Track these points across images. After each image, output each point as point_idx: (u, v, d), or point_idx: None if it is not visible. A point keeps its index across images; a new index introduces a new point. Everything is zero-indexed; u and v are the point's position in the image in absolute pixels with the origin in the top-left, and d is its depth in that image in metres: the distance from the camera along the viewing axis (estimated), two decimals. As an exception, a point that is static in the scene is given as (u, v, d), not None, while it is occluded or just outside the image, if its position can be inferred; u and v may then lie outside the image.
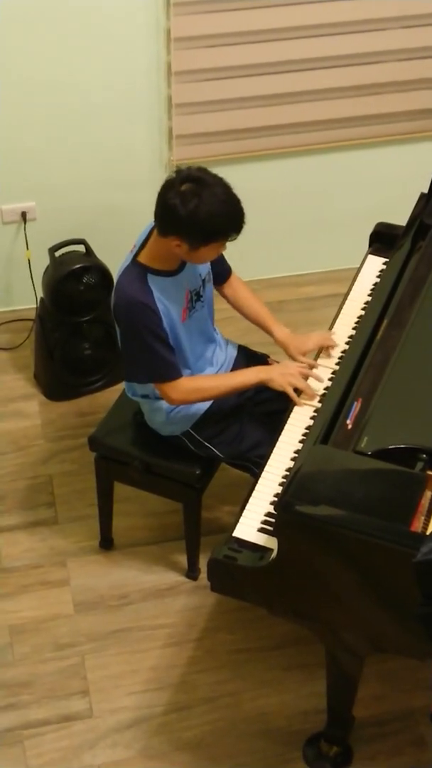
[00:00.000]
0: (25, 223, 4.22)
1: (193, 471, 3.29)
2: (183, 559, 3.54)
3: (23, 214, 4.20)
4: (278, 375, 3.09)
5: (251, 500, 2.81)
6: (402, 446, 2.65)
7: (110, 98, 4.03)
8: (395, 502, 2.51)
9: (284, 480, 2.82)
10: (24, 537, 3.68)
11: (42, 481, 3.86)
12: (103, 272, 3.98)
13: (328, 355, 3.20)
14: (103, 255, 4.00)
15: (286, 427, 3.00)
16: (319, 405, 3.02)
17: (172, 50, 3.93)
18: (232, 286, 3.37)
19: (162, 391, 3.11)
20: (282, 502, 2.51)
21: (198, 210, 2.81)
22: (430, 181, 3.51)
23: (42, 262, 4.06)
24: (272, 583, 2.63)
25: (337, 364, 3.15)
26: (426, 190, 3.53)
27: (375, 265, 3.52)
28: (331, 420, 2.82)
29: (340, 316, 3.35)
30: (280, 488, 2.80)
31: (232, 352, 3.41)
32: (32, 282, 4.25)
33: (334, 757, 3.05)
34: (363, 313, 3.31)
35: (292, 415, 3.03)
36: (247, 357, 3.42)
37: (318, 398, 3.06)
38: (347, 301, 3.41)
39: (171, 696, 3.23)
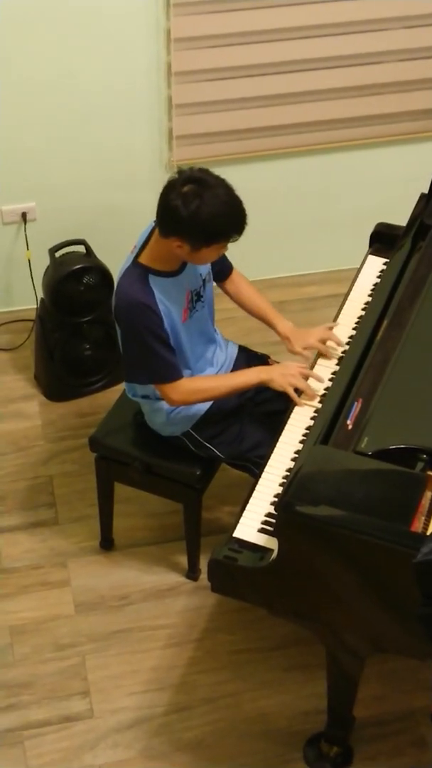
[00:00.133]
0: (25, 224, 4.22)
1: (194, 471, 3.29)
2: (183, 560, 3.54)
3: (23, 215, 4.20)
4: (279, 375, 3.09)
5: (251, 501, 2.81)
6: (402, 446, 2.65)
7: (110, 99, 4.02)
8: (395, 502, 2.51)
9: (284, 480, 2.82)
10: (24, 537, 3.68)
11: (42, 481, 3.86)
12: (103, 273, 3.98)
13: (330, 356, 3.20)
14: (103, 255, 4.00)
15: (287, 427, 3.00)
16: (320, 405, 3.02)
17: (172, 51, 3.93)
18: (234, 282, 3.37)
19: (162, 392, 3.11)
20: (282, 503, 2.51)
21: (200, 211, 2.81)
22: (430, 182, 3.51)
23: (42, 263, 4.06)
24: (272, 584, 2.63)
25: (338, 364, 3.15)
26: (426, 191, 3.53)
27: (375, 265, 3.52)
28: (331, 420, 2.82)
29: (341, 316, 3.35)
30: (281, 489, 2.80)
31: (233, 353, 3.41)
32: (32, 282, 4.25)
33: (334, 757, 3.05)
34: (363, 313, 3.31)
35: (292, 416, 3.03)
36: (248, 357, 3.42)
37: (318, 398, 3.06)
38: (347, 302, 3.40)
39: (171, 696, 3.23)
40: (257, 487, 2.85)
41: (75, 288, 3.97)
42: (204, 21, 3.90)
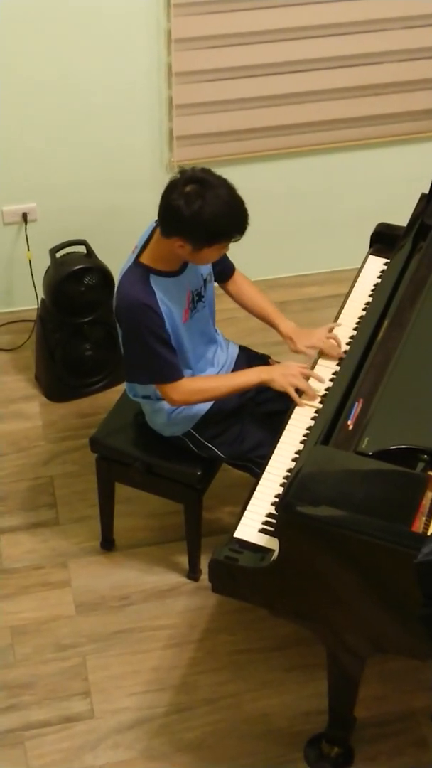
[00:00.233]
0: (26, 224, 4.22)
1: (194, 472, 3.29)
2: (184, 560, 3.54)
3: (24, 215, 4.20)
4: (279, 375, 3.09)
5: (252, 501, 2.81)
6: (403, 447, 2.65)
7: (111, 99, 4.03)
8: (396, 502, 2.51)
9: (285, 481, 2.82)
10: (25, 538, 3.68)
11: (43, 482, 3.86)
12: (103, 273, 3.98)
13: (333, 356, 3.20)
14: (103, 256, 4.00)
15: (287, 427, 3.00)
16: (320, 405, 3.02)
17: (172, 51, 3.93)
18: (236, 282, 3.37)
19: (163, 392, 3.11)
20: (283, 503, 2.51)
21: (202, 211, 2.81)
22: (431, 182, 3.51)
23: (43, 263, 4.06)
24: (273, 584, 2.63)
25: (338, 364, 3.15)
26: (427, 191, 3.52)
27: (376, 265, 3.52)
28: (332, 420, 2.82)
29: (341, 316, 3.35)
30: (282, 489, 2.80)
31: (233, 353, 3.41)
32: (33, 283, 4.25)
33: (335, 757, 3.05)
34: (364, 313, 3.31)
35: (293, 416, 3.03)
36: (249, 357, 3.42)
37: (319, 399, 3.06)
38: (348, 302, 3.40)
39: (172, 697, 3.23)
40: (258, 488, 2.85)
41: (76, 288, 3.97)
42: (204, 21, 3.90)
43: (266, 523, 2.74)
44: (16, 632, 3.39)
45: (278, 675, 3.28)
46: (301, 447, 2.92)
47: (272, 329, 3.34)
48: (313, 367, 3.17)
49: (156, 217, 2.98)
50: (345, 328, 3.29)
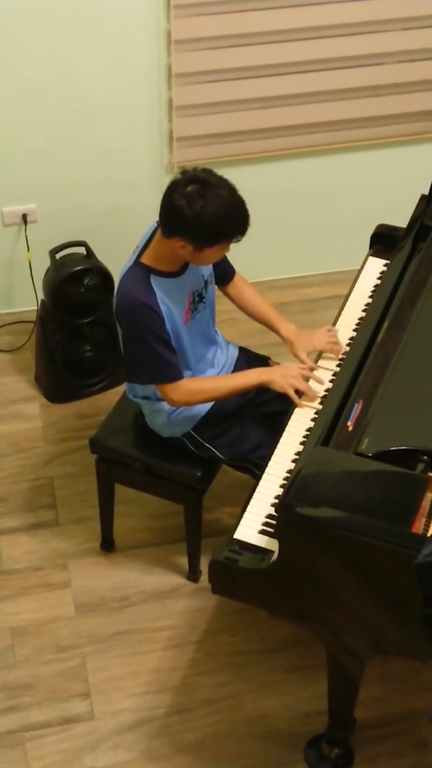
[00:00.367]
0: (25, 225, 4.22)
1: (194, 473, 3.29)
2: (184, 561, 3.54)
3: (24, 216, 4.20)
4: (279, 376, 3.09)
5: (252, 502, 2.81)
6: (403, 448, 2.65)
7: (111, 100, 4.03)
8: (396, 503, 2.51)
9: (285, 482, 2.82)
10: (25, 539, 3.68)
11: (43, 483, 3.86)
12: (103, 274, 3.98)
13: (332, 357, 3.20)
14: (103, 257, 4.00)
15: (287, 428, 3.00)
16: (320, 407, 3.02)
17: (172, 52, 3.93)
18: (236, 285, 3.37)
19: (163, 393, 3.11)
20: (283, 504, 2.51)
21: (203, 211, 2.81)
22: (430, 183, 3.51)
23: (43, 264, 4.06)
24: (273, 585, 2.63)
25: (338, 365, 3.15)
26: (426, 192, 3.53)
27: (376, 266, 3.52)
28: (332, 422, 2.82)
29: (341, 317, 3.35)
30: (281, 490, 2.80)
31: (233, 354, 3.41)
32: (33, 284, 4.25)
33: (335, 758, 3.05)
34: (364, 314, 3.31)
35: (293, 417, 3.03)
36: (248, 359, 3.42)
37: (319, 400, 3.06)
38: (348, 303, 3.41)
39: (172, 698, 3.23)
40: (258, 489, 2.85)
41: (75, 289, 3.97)
42: (204, 23, 3.90)
43: (266, 524, 2.74)
44: (16, 633, 3.39)
45: (278, 676, 3.28)
46: (300, 448, 2.92)
47: (272, 331, 3.34)
48: (312, 368, 3.17)
49: (156, 218, 2.98)
50: (345, 329, 3.29)
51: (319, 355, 3.23)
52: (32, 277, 4.24)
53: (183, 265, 3.05)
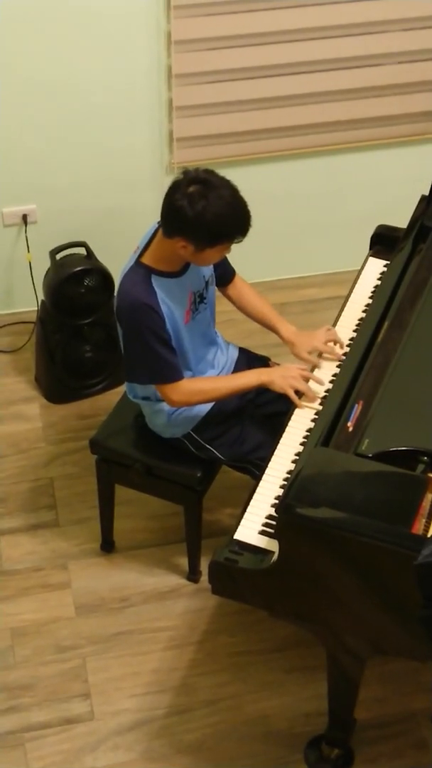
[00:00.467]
0: (26, 226, 4.22)
1: (194, 473, 3.29)
2: (184, 562, 3.54)
3: (24, 217, 4.20)
4: (279, 377, 3.09)
5: (252, 503, 2.81)
6: (403, 448, 2.65)
7: (111, 101, 4.03)
8: (396, 504, 2.51)
9: (285, 482, 2.82)
10: (25, 539, 3.68)
11: (43, 483, 3.86)
12: (103, 275, 3.98)
13: (333, 357, 3.20)
14: (103, 257, 4.00)
15: (287, 429, 3.00)
16: (320, 407, 3.02)
17: (172, 53, 3.93)
18: (236, 287, 3.37)
19: (163, 393, 3.11)
20: (283, 505, 2.51)
21: (205, 212, 2.81)
22: (430, 184, 3.51)
23: (43, 265, 4.06)
24: (273, 586, 2.63)
25: (338, 366, 3.15)
26: (427, 193, 3.53)
27: (376, 267, 3.52)
28: (332, 422, 2.82)
29: (341, 318, 3.35)
30: (281, 491, 2.80)
31: (233, 355, 3.41)
32: (33, 284, 4.25)
33: (335, 759, 3.05)
34: (364, 315, 3.31)
35: (293, 418, 3.03)
36: (248, 359, 3.42)
37: (319, 400, 3.06)
38: (348, 304, 3.41)
39: (172, 699, 3.23)
40: (258, 489, 2.85)
41: (76, 290, 3.97)
42: (204, 23, 3.90)
43: (266, 524, 2.74)
44: (16, 634, 3.39)
45: (278, 676, 3.28)
46: (301, 449, 2.92)
47: (273, 332, 3.34)
48: (313, 369, 3.17)
49: (157, 218, 2.98)
50: (345, 330, 3.29)
51: (319, 356, 3.22)
52: (32, 277, 4.24)
53: (184, 265, 3.05)
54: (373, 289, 3.42)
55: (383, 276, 3.43)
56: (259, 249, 4.00)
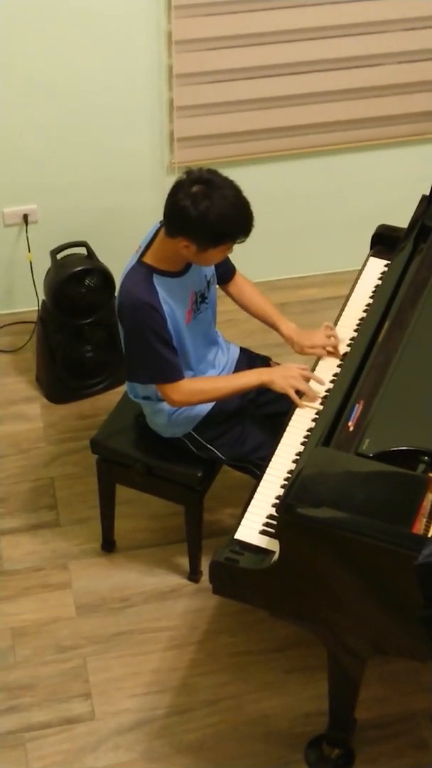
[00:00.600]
0: (26, 226, 4.22)
1: (195, 473, 3.29)
2: (185, 562, 3.54)
3: (25, 217, 4.20)
4: (280, 377, 3.09)
5: (253, 502, 2.81)
6: (404, 448, 2.65)
7: (111, 101, 4.03)
8: (397, 504, 2.51)
9: (286, 482, 2.82)
10: (26, 539, 3.68)
11: (44, 483, 3.86)
12: (104, 275, 3.98)
13: (334, 356, 3.20)
14: (104, 257, 4.00)
15: (288, 429, 3.00)
16: (321, 407, 3.02)
17: (173, 53, 3.93)
18: (237, 284, 3.37)
19: (163, 393, 3.11)
20: (284, 505, 2.51)
21: (208, 212, 2.81)
22: (431, 184, 3.51)
23: (43, 265, 4.07)
24: (274, 586, 2.63)
25: (339, 366, 3.15)
26: (427, 193, 3.53)
27: (376, 267, 3.52)
28: (332, 422, 2.82)
29: (342, 318, 3.35)
30: (282, 490, 2.80)
31: (234, 355, 3.41)
32: (34, 284, 4.25)
33: (336, 759, 3.05)
34: (365, 315, 3.31)
35: (293, 418, 3.03)
36: (249, 359, 3.42)
37: (319, 400, 3.06)
38: (349, 303, 3.41)
39: (173, 699, 3.23)
40: (259, 489, 2.85)
41: (76, 290, 3.97)
42: (205, 23, 3.90)
43: (267, 524, 2.74)
44: (16, 634, 3.39)
45: (279, 676, 3.28)
46: (301, 448, 2.92)
47: (273, 331, 3.34)
48: (313, 369, 3.17)
49: (158, 218, 2.98)
50: (346, 330, 3.29)
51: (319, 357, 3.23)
52: (33, 277, 4.24)
53: (186, 265, 3.05)
54: (373, 289, 3.42)
55: (384, 276, 3.43)
56: (260, 249, 3.99)
